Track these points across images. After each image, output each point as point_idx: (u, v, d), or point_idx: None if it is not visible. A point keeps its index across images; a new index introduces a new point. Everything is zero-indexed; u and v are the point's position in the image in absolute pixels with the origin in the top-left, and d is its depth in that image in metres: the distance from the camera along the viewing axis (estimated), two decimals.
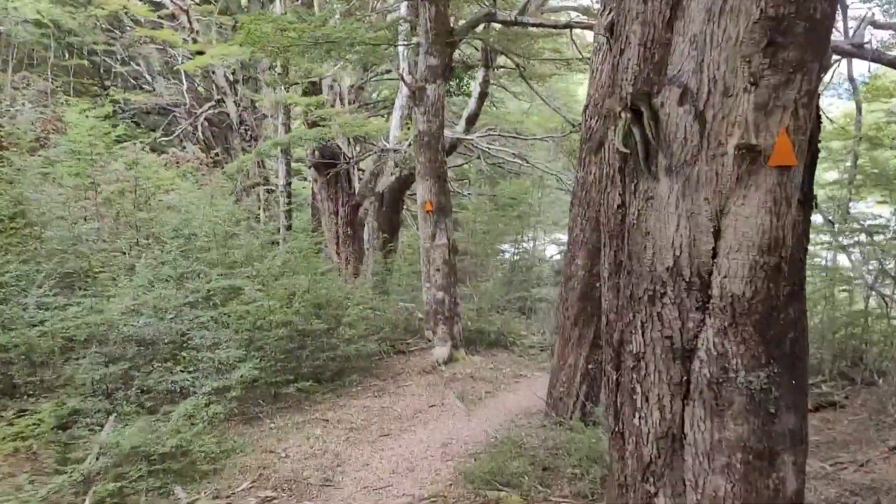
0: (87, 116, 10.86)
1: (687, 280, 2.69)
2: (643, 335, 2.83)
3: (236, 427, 6.32)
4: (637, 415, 2.86)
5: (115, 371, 6.22)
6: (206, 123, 17.65)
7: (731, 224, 2.58)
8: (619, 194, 3.02)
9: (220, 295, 8.10)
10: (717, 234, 2.62)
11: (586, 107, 6.03)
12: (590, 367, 6.22)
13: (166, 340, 6.88)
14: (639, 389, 2.85)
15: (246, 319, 7.29)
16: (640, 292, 2.84)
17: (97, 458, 5.05)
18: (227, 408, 5.96)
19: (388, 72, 17.42)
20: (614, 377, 3.06)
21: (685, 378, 2.72)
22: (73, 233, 9.20)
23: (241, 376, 6.18)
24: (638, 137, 2.77)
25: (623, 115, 2.80)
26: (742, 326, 2.61)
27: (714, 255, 2.63)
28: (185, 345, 6.79)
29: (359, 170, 14.90)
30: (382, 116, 17.51)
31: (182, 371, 6.34)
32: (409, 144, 11.78)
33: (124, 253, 9.52)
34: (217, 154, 16.65)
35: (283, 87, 13.33)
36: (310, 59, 8.95)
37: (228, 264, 8.72)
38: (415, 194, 10.11)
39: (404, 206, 14.49)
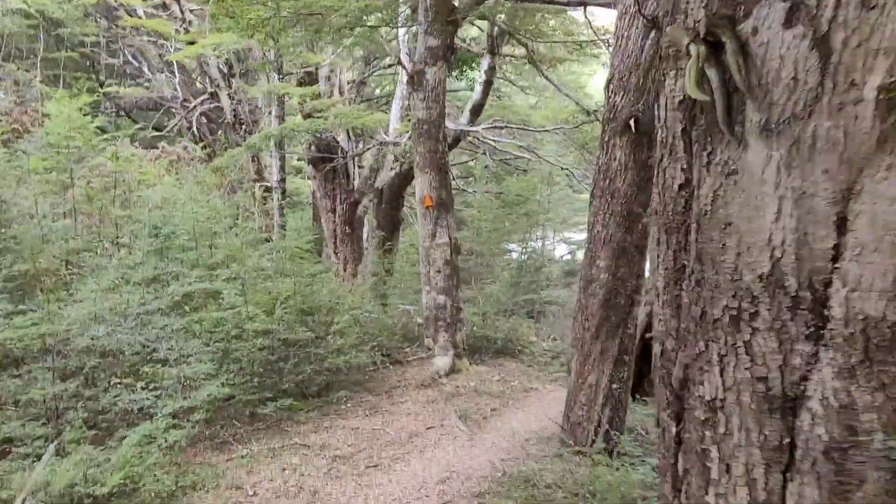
0: (64, 108, 10.08)
1: (792, 294, 1.80)
2: (722, 374, 1.95)
3: (203, 454, 5.46)
4: (711, 489, 1.97)
5: (68, 388, 5.40)
6: (204, 119, 16.86)
7: (866, 209, 1.69)
8: (682, 169, 2.13)
9: (197, 299, 7.28)
10: (841, 225, 1.73)
11: (609, 81, 5.15)
12: (614, 386, 5.34)
13: (130, 352, 6.05)
14: (715, 453, 1.96)
15: (221, 328, 6.45)
16: (716, 311, 1.96)
17: (23, 502, 4.22)
18: (191, 433, 5.09)
19: (392, 66, 16.60)
20: (674, 430, 2.17)
21: (787, 440, 1.83)
22: (42, 231, 8.41)
23: (209, 395, 5.31)
24: (715, 83, 1.89)
25: (693, 49, 1.91)
26: (879, 365, 1.72)
27: (836, 258, 1.74)
28: (150, 357, 5.95)
29: (358, 165, 14.09)
30: (385, 112, 16.74)
31: (143, 388, 5.49)
32: (410, 137, 10.92)
33: (105, 254, 8.73)
34: (211, 149, 15.86)
35: (276, 76, 12.48)
36: (295, 38, 8.07)
37: (210, 265, 7.90)
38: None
39: (405, 203, 13.63)
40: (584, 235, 19.15)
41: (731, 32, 1.85)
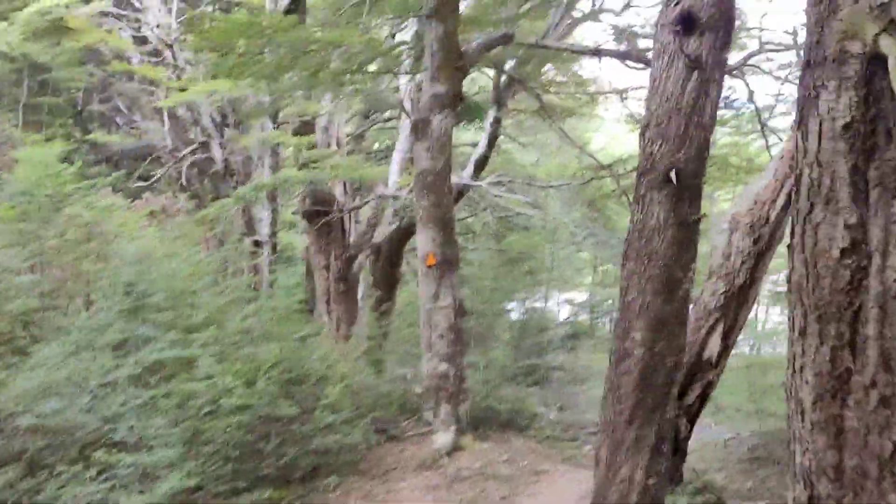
0: (37, 154, 9.48)
1: None
2: None
3: None
4: None
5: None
6: (195, 169, 16.31)
7: None
8: (848, 226, 1.42)
9: (169, 368, 6.48)
10: None
11: (645, 129, 4.53)
12: (650, 481, 4.54)
13: (83, 432, 5.23)
14: None
15: (193, 403, 5.64)
16: None
17: None
18: None
19: (390, 119, 16.20)
20: None
21: None
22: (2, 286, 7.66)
23: (171, 489, 4.49)
24: None
25: (890, 43, 1.23)
26: None
27: None
28: (106, 439, 5.12)
29: (355, 220, 13.46)
30: (384, 166, 16.31)
31: (94, 479, 4.67)
32: (411, 190, 10.32)
33: (73, 313, 7.98)
34: (199, 200, 15.25)
35: (270, 125, 11.97)
36: (291, 83, 7.49)
37: (187, 328, 7.14)
38: (416, 247, 8.57)
39: (404, 260, 12.94)
40: (586, 296, 18.42)
41: None
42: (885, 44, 1.23)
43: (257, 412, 5.80)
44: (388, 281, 11.67)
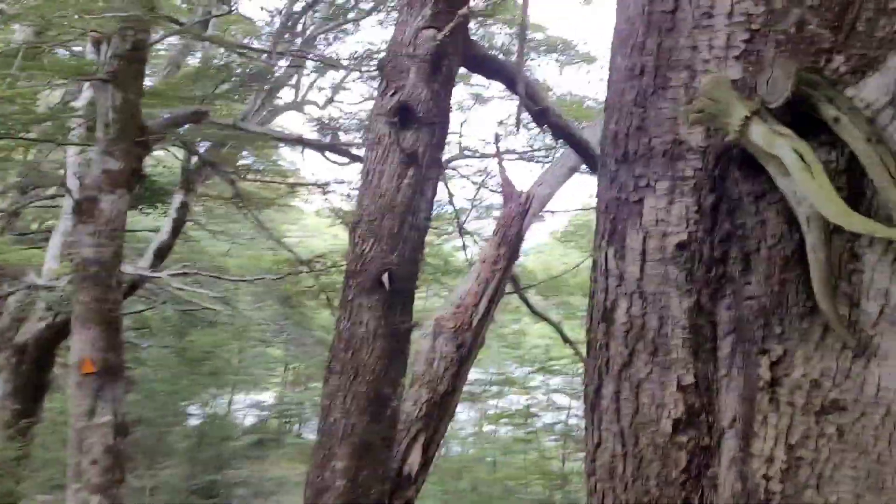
0: None
1: None
2: None
3: None
4: None
5: None
6: None
7: None
8: (682, 387, 1.01)
9: None
10: None
11: (356, 225, 4.12)
12: None
13: None
14: None
15: None
16: None
17: None
18: None
19: (56, 197, 14.13)
20: None
21: None
22: None
23: None
24: (808, 210, 0.84)
25: (765, 133, 0.86)
26: None
27: None
28: None
29: None
30: (42, 249, 14.02)
31: None
32: (70, 281, 8.74)
33: None
34: None
35: None
36: None
37: None
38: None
39: (56, 363, 10.87)
40: (275, 398, 17.49)
41: (848, 101, 0.85)
42: (759, 132, 0.86)
43: None
44: (33, 389, 9.63)
